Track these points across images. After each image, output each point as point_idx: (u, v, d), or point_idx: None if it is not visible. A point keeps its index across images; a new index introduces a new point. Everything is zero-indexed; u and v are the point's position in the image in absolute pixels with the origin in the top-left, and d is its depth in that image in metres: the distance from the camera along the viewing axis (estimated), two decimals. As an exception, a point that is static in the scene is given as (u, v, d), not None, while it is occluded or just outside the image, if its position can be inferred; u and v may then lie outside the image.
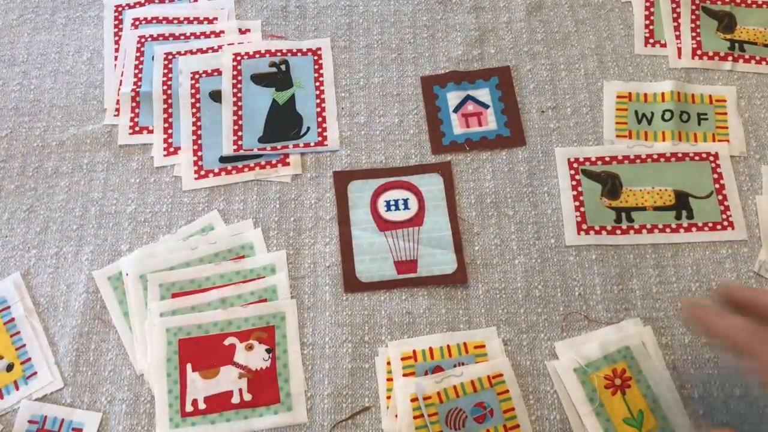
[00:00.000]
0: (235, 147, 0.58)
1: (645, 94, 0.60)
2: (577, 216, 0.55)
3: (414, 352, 0.50)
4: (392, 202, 0.56)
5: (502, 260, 0.54)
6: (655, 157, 0.57)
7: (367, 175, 0.57)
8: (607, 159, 0.57)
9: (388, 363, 0.50)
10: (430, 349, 0.50)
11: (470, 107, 0.60)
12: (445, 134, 0.59)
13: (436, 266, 0.53)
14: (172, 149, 0.58)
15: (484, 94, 0.61)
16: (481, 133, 0.59)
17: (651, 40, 0.63)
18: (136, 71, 0.61)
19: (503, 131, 0.59)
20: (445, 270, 0.53)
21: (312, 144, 0.58)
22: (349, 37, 0.63)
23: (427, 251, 0.54)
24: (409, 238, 0.54)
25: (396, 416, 0.47)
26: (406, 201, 0.56)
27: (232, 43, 0.62)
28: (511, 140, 0.59)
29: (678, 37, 0.62)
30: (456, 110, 0.60)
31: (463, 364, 0.49)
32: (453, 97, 0.61)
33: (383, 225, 0.55)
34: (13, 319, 0.52)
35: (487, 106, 0.60)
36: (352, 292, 0.53)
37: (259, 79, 0.61)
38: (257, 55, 0.62)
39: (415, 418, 0.46)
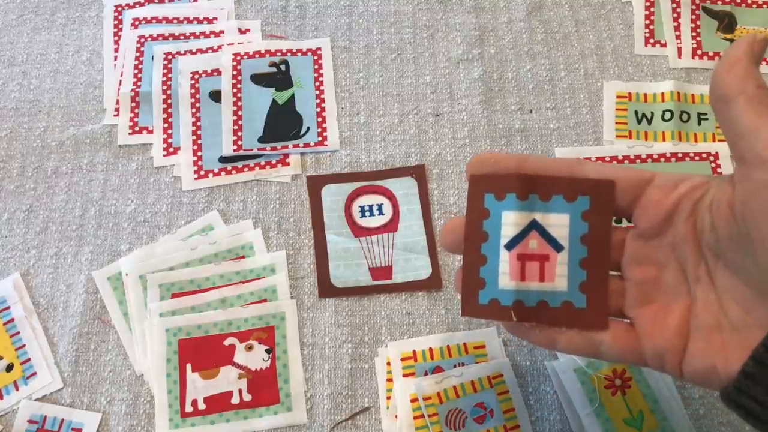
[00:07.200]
0: (235, 147, 0.58)
1: (645, 94, 0.60)
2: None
3: (414, 352, 0.50)
4: (366, 208, 0.54)
5: (502, 260, 0.54)
6: (655, 157, 0.57)
7: (341, 179, 0.56)
8: (607, 159, 0.57)
9: (388, 363, 0.50)
10: (430, 349, 0.50)
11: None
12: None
13: (411, 272, 0.53)
14: (171, 149, 0.58)
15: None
16: (481, 133, 0.60)
17: (651, 40, 0.63)
18: (136, 71, 0.61)
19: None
20: (420, 275, 0.52)
21: (312, 144, 0.58)
22: (349, 37, 0.63)
23: (402, 256, 0.53)
24: (385, 244, 0.53)
25: (396, 417, 0.47)
26: (380, 206, 0.55)
27: (232, 43, 0.62)
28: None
29: (678, 37, 0.62)
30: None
31: (463, 364, 0.49)
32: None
33: (358, 231, 0.54)
34: (12, 320, 0.52)
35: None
36: (325, 297, 0.52)
37: (258, 79, 0.61)
38: (257, 55, 0.62)
39: (415, 418, 0.46)
